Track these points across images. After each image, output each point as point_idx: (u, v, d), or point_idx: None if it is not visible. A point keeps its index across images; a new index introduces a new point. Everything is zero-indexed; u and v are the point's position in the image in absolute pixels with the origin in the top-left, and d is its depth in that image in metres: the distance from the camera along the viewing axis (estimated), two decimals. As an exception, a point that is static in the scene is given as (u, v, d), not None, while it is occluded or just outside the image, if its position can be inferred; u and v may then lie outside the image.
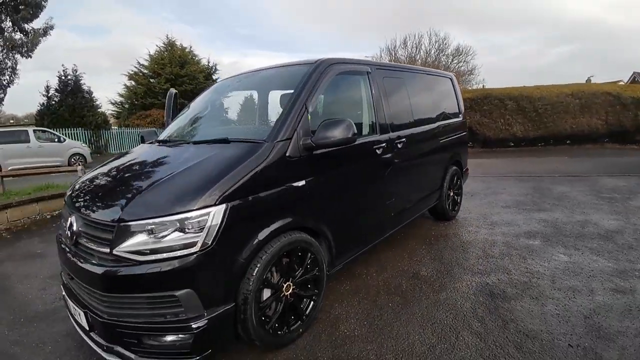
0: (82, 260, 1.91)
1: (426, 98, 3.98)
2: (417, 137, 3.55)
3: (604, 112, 11.86)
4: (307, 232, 2.28)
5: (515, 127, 12.51)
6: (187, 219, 1.74)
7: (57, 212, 5.49)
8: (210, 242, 1.76)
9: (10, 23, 16.15)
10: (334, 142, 2.24)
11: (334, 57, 2.70)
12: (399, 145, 3.20)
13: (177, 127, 2.96)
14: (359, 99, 2.94)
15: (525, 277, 2.99)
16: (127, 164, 2.45)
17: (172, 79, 25.17)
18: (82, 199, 2.16)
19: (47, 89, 20.02)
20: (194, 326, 1.73)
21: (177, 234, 1.74)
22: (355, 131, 2.29)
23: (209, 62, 28.75)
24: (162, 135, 2.96)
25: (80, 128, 19.05)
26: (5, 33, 16.05)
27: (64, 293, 2.24)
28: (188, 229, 1.74)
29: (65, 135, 15.64)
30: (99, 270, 1.78)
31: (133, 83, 25.83)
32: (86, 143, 19.47)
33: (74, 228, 2.00)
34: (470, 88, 23.25)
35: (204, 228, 1.76)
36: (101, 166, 2.64)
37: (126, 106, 26.01)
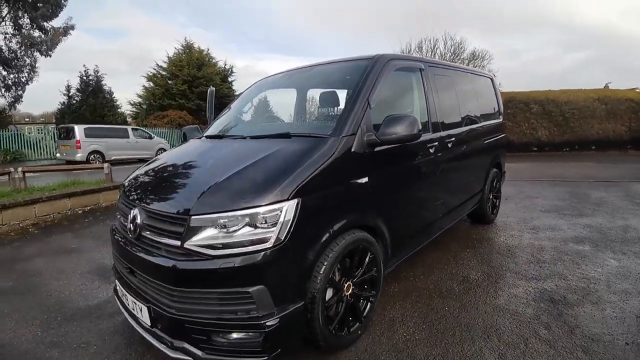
0: (148, 254, 1.87)
1: (471, 97, 3.88)
2: (465, 136, 3.45)
3: (627, 118, 11.51)
4: (367, 231, 2.21)
5: (540, 131, 12.24)
6: (260, 213, 1.68)
7: (89, 208, 5.54)
8: (283, 238, 1.70)
9: (29, 20, 16.45)
10: (398, 139, 2.17)
11: (390, 52, 2.63)
12: (449, 145, 3.11)
13: (228, 123, 2.93)
14: (413, 96, 2.87)
15: (583, 283, 2.86)
16: (185, 158, 2.42)
17: (190, 80, 25.51)
18: (145, 192, 2.13)
19: (68, 88, 20.55)
20: (267, 324, 1.66)
21: (249, 228, 1.69)
22: (420, 127, 2.21)
23: (225, 65, 29.09)
24: (211, 131, 2.92)
25: (100, 127, 19.46)
26: (24, 30, 16.37)
27: (118, 286, 2.21)
28: (261, 223, 1.69)
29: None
30: (169, 263, 1.74)
31: (151, 84, 26.28)
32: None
33: (138, 221, 1.96)
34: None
35: (277, 223, 1.70)
36: (155, 160, 2.62)
37: (144, 107, 26.45)
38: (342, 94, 2.51)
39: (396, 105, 2.74)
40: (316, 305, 1.85)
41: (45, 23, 16.76)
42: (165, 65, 26.50)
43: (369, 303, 2.28)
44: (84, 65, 22.50)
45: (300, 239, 1.77)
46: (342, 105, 2.34)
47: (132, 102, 26.52)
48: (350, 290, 2.12)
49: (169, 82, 26.04)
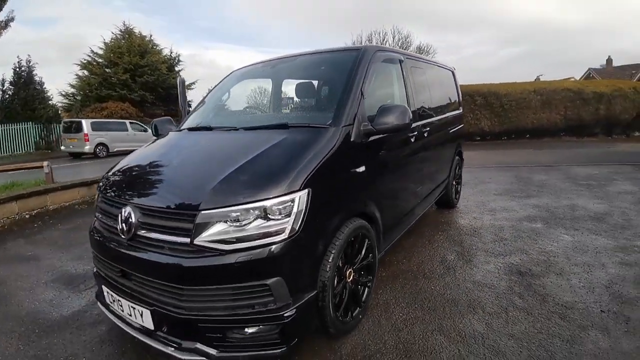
0: (147, 254, 1.77)
1: (438, 89, 4.10)
2: (436, 126, 3.66)
3: (562, 107, 12.91)
4: (364, 219, 2.29)
5: (483, 121, 13.26)
6: (274, 204, 1.67)
7: (35, 212, 4.99)
8: (297, 229, 1.71)
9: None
10: (392, 128, 2.25)
11: (375, 44, 2.70)
12: (425, 135, 3.28)
13: (210, 114, 2.81)
14: (395, 87, 2.98)
15: (543, 256, 3.21)
16: (174, 151, 2.30)
17: (132, 69, 23.68)
18: (139, 189, 2.00)
19: (2, 82, 18.21)
20: (285, 315, 1.67)
21: (261, 221, 1.67)
22: (411, 117, 2.32)
23: (171, 53, 27.40)
24: (192, 123, 2.79)
25: (30, 122, 17.44)
26: None
27: (106, 292, 2.06)
28: (274, 215, 1.68)
29: (15, 131, 14.62)
30: (177, 262, 1.67)
31: (86, 73, 23.94)
32: (36, 138, 17.90)
33: (132, 220, 1.84)
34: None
35: (290, 214, 1.70)
36: (136, 156, 2.45)
37: (78, 98, 24.07)
38: (329, 85, 2.53)
39: (381, 95, 2.82)
40: (327, 293, 1.89)
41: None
42: (102, 52, 24.25)
43: (366, 288, 2.37)
44: (17, 57, 20.00)
45: (312, 229, 1.79)
46: (331, 96, 2.36)
47: (64, 93, 23.96)
48: (352, 277, 2.19)
49: (107, 70, 23.92)
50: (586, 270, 2.91)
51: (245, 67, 3.30)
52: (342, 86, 2.30)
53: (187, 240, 1.67)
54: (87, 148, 14.56)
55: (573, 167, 7.57)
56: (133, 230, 1.84)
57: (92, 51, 24.19)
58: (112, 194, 2.11)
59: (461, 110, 5.03)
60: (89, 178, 6.15)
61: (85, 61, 23.93)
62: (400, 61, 3.04)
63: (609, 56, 32.47)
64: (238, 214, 1.66)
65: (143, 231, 1.83)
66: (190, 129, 2.70)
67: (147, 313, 1.79)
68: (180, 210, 1.73)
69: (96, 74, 23.64)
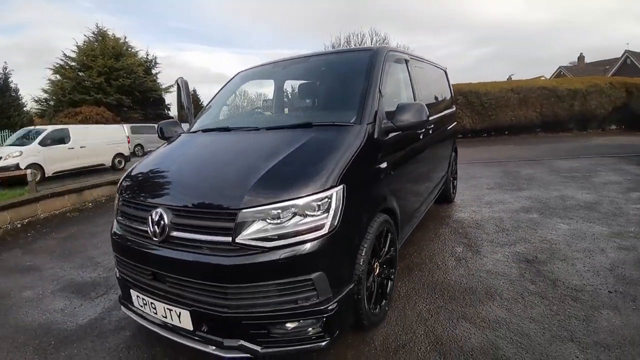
0: (185, 255, 1.75)
1: (436, 87, 4.23)
2: (438, 123, 3.77)
3: (538, 104, 13.47)
4: (387, 213, 2.34)
5: (465, 119, 13.63)
6: (314, 200, 1.70)
7: (27, 220, 4.78)
8: (336, 224, 1.74)
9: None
10: (411, 124, 2.32)
11: (384, 45, 2.77)
12: (430, 132, 3.38)
13: (225, 116, 2.80)
14: (404, 86, 3.06)
15: (545, 244, 3.38)
16: (197, 152, 2.28)
17: (107, 72, 23.06)
18: (170, 191, 1.98)
19: None
20: (329, 308, 1.70)
21: (299, 217, 1.69)
22: (428, 114, 2.40)
23: (147, 55, 26.83)
24: (206, 125, 2.77)
25: (7, 130, 16.71)
26: None
27: (135, 296, 2.02)
28: (315, 211, 1.71)
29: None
30: (220, 261, 1.67)
31: (59, 77, 23.08)
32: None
33: (165, 221, 1.82)
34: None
35: (329, 209, 1.73)
36: (157, 158, 2.42)
37: (51, 103, 23.16)
38: (346, 84, 2.58)
39: (393, 94, 2.89)
40: (362, 286, 1.94)
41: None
42: (74, 56, 23.45)
43: (390, 281, 2.43)
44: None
45: (348, 224, 1.83)
46: (351, 95, 2.41)
47: (37, 99, 23.01)
48: (378, 270, 2.24)
49: (81, 74, 23.14)
50: (588, 255, 3.08)
51: (251, 68, 3.30)
52: (362, 85, 2.35)
53: (228, 239, 1.68)
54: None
55: (555, 160, 7.94)
56: (166, 231, 1.82)
57: (65, 55, 23.42)
58: (138, 196, 2.07)
59: (454, 108, 5.19)
60: (76, 185, 5.95)
61: (57, 65, 23.12)
62: (407, 61, 3.13)
63: (581, 53, 33.18)
64: (279, 211, 1.67)
65: (176, 232, 1.82)
66: (205, 131, 2.68)
67: (185, 314, 1.78)
68: (219, 210, 1.73)
69: (69, 78, 22.86)
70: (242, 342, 1.71)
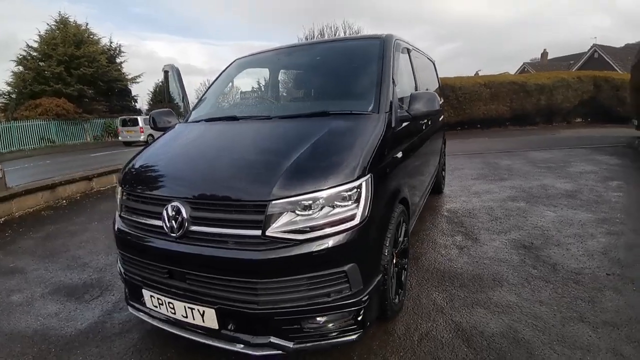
0: (207, 250, 1.66)
1: (430, 78, 4.29)
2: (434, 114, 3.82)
3: (509, 99, 14.04)
4: (403, 204, 2.34)
5: (441, 113, 14.00)
6: (344, 190, 1.65)
7: (3, 220, 4.39)
8: (366, 214, 1.71)
9: None
10: (426, 113, 2.33)
11: (391, 33, 2.75)
12: (429, 122, 3.41)
13: (228, 105, 2.68)
14: (408, 74, 3.05)
15: (537, 231, 3.52)
16: (205, 143, 2.17)
17: (67, 60, 21.66)
18: (185, 183, 1.86)
19: None
20: (362, 300, 1.67)
21: (328, 208, 1.64)
22: (440, 102, 2.40)
23: (111, 43, 25.38)
24: (208, 114, 2.64)
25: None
26: None
27: (149, 297, 1.89)
28: (346, 201, 1.66)
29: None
30: (250, 256, 1.59)
31: (21, 69, 21.54)
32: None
33: (184, 215, 1.71)
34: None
35: (359, 199, 1.69)
36: (157, 150, 2.27)
37: (13, 96, 21.57)
38: (358, 72, 2.53)
39: (401, 83, 2.88)
40: (388, 277, 1.93)
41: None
42: (36, 45, 21.91)
43: (404, 271, 2.44)
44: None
45: (376, 214, 1.80)
46: (365, 83, 2.37)
47: (0, 92, 21.39)
48: (395, 260, 2.24)
49: (41, 64, 21.62)
50: (579, 240, 3.24)
51: (250, 55, 3.17)
52: (375, 74, 2.32)
53: (258, 232, 1.60)
54: (142, 138, 18.98)
55: (529, 152, 8.31)
56: (185, 226, 1.71)
57: (28, 45, 21.80)
58: (148, 189, 1.94)
59: (442, 100, 5.28)
60: (48, 181, 5.53)
61: (20, 56, 21.56)
62: (409, 50, 3.13)
63: (544, 49, 34.85)
64: (310, 202, 1.62)
65: (196, 227, 1.72)
66: (208, 120, 2.55)
67: (210, 312, 1.69)
68: (247, 202, 1.64)
69: (30, 69, 21.37)
70: (272, 338, 1.65)
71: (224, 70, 3.13)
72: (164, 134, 2.58)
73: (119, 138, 20.11)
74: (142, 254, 1.90)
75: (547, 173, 6.01)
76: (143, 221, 1.92)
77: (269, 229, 1.59)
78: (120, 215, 2.10)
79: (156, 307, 1.88)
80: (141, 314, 1.99)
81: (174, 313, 1.81)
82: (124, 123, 19.73)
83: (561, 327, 2.05)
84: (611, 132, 11.13)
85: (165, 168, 2.07)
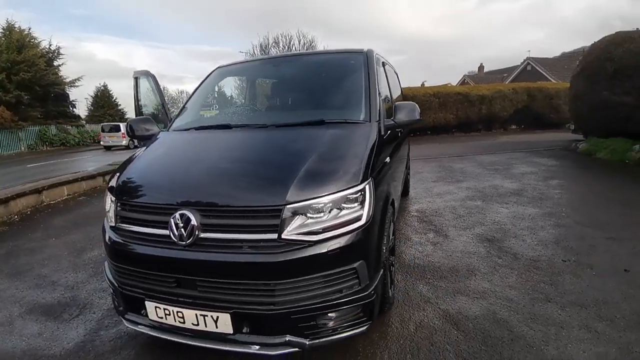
0: (220, 256, 1.70)
1: (398, 88, 4.60)
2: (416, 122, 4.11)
3: (455, 108, 15.20)
4: (392, 205, 2.53)
5: (395, 120, 14.76)
6: (352, 193, 1.79)
7: None
8: (371, 214, 1.86)
9: None
10: (409, 122, 2.55)
11: (370, 48, 2.97)
12: (402, 130, 3.68)
13: (223, 113, 2.71)
14: (383, 86, 3.28)
15: (496, 225, 3.93)
16: (203, 150, 2.20)
17: (8, 67, 19.66)
18: (191, 191, 1.87)
19: None
20: (371, 293, 1.81)
21: (336, 211, 1.77)
22: (419, 112, 2.65)
23: (50, 45, 23.42)
24: (196, 123, 2.64)
25: None
26: None
27: (152, 308, 1.86)
28: (353, 203, 1.80)
29: None
30: (265, 259, 1.66)
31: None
32: None
33: (193, 223, 1.73)
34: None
35: (364, 201, 1.84)
36: (150, 158, 2.25)
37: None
38: (345, 84, 2.70)
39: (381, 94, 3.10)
40: (387, 271, 2.09)
41: None
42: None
43: (392, 267, 2.62)
44: None
45: (377, 214, 1.96)
46: (352, 94, 2.55)
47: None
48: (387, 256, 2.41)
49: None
50: (532, 232, 3.68)
51: (230, 65, 3.21)
52: (363, 85, 2.51)
53: (274, 236, 1.68)
54: (124, 143, 20.64)
55: (477, 156, 9.11)
56: (196, 234, 1.74)
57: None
58: (150, 199, 1.92)
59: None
60: (1, 194, 4.97)
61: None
62: (384, 63, 3.38)
63: (481, 63, 38.96)
64: (321, 205, 1.73)
65: (207, 234, 1.75)
66: (198, 129, 2.56)
67: (224, 317, 1.72)
68: (263, 207, 1.71)
69: (-29, 77, 18.98)
70: (288, 337, 1.72)
71: (205, 79, 3.14)
72: (151, 142, 2.53)
73: (101, 143, 21.75)
74: (144, 264, 1.87)
75: (496, 174, 6.66)
76: (145, 231, 1.89)
77: (284, 232, 1.68)
78: (113, 227, 2.04)
79: (162, 317, 1.85)
80: (140, 326, 1.94)
81: (183, 322, 1.80)
82: (106, 129, 21.69)
83: (531, 307, 2.36)
84: (544, 137, 12.55)
85: (164, 176, 2.05)
